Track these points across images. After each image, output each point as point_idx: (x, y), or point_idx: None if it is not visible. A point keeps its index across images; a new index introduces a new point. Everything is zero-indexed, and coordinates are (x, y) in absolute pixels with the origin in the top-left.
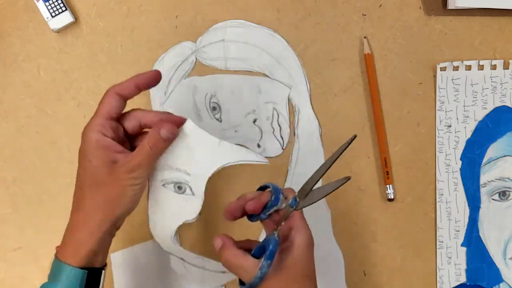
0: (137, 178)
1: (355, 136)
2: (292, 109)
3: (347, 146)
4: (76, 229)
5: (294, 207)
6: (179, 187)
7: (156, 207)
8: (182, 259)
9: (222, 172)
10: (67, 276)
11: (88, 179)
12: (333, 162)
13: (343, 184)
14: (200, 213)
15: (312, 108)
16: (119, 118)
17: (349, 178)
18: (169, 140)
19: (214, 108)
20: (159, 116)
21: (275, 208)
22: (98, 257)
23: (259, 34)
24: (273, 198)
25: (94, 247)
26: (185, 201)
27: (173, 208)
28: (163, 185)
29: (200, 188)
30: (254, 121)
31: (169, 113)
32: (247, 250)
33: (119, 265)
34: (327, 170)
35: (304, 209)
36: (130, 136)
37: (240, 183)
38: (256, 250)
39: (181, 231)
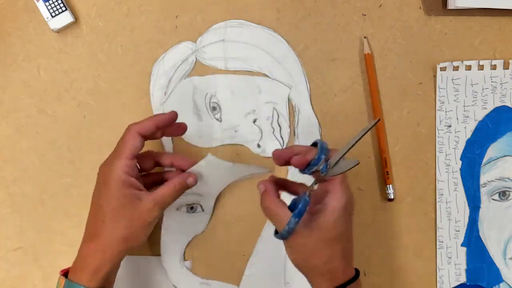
0: (158, 214)
1: (379, 120)
2: (292, 109)
3: (372, 127)
4: (94, 255)
5: (324, 173)
6: (191, 208)
7: (169, 230)
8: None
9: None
10: None
11: (112, 213)
12: (357, 141)
13: (355, 165)
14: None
15: (312, 108)
16: (140, 160)
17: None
18: (191, 187)
19: (214, 108)
20: (175, 158)
21: (315, 167)
22: (112, 278)
23: (259, 34)
24: (316, 157)
25: (110, 271)
26: (195, 218)
27: (184, 227)
28: (177, 209)
29: (210, 204)
30: (254, 121)
31: (182, 156)
32: (291, 192)
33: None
34: (352, 147)
35: None
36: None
37: (239, 184)
38: (292, 204)
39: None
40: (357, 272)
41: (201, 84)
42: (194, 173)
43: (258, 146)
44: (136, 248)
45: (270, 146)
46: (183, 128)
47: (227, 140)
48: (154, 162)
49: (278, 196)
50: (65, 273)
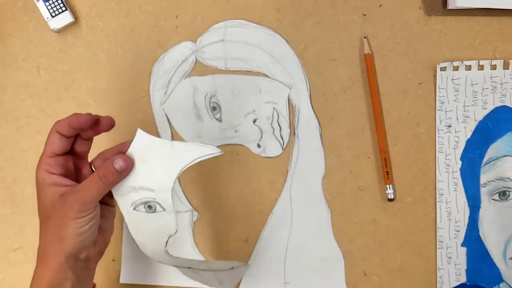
0: (83, 210)
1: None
2: (292, 109)
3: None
4: (37, 264)
5: None
6: (149, 206)
7: (136, 232)
8: (189, 267)
9: (220, 173)
10: None
11: (41, 215)
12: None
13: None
14: (198, 217)
15: (312, 108)
16: (92, 161)
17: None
18: (123, 172)
19: (214, 108)
20: (119, 148)
21: None
22: None
23: (259, 34)
24: None
25: (52, 281)
26: (159, 218)
27: (152, 229)
28: (134, 209)
29: (167, 201)
30: (254, 121)
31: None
32: None
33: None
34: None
35: (303, 209)
36: None
37: (239, 184)
38: None
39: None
40: None
41: (201, 84)
42: (124, 155)
43: (258, 146)
44: (77, 250)
45: (270, 146)
46: (107, 124)
47: (227, 140)
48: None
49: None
50: None
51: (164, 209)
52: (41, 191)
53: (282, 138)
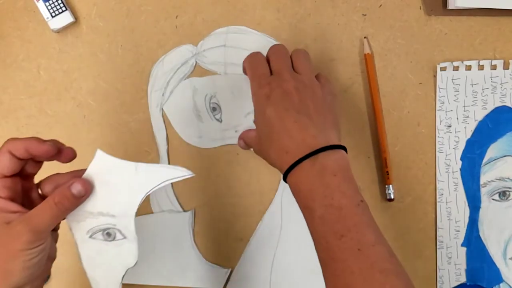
0: (34, 241)
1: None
2: None
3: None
4: None
5: None
6: (108, 234)
7: (90, 264)
8: None
9: (221, 173)
10: None
11: None
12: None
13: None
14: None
15: None
16: (40, 183)
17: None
18: (81, 197)
19: (214, 109)
20: (75, 174)
21: None
22: None
23: (260, 41)
24: None
25: None
26: (119, 247)
27: (110, 260)
28: (90, 236)
29: (129, 228)
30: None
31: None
32: None
33: None
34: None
35: (293, 218)
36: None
37: (239, 184)
38: None
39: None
40: (324, 148)
41: (201, 85)
42: (82, 179)
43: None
44: (23, 286)
45: None
46: (67, 157)
47: (227, 140)
48: (56, 185)
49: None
50: None
51: (124, 237)
52: None
53: None
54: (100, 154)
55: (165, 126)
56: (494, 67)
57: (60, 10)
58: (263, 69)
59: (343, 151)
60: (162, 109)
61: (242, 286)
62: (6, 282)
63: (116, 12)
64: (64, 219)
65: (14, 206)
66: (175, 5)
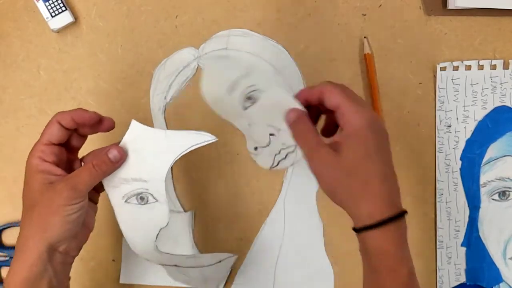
0: (74, 198)
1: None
2: None
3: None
4: (15, 257)
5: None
6: (141, 198)
7: (127, 226)
8: (176, 265)
9: (221, 173)
10: None
11: (26, 203)
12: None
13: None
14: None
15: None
16: (82, 158)
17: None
18: (117, 162)
19: (249, 98)
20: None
21: None
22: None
23: (262, 44)
24: None
25: (29, 275)
26: (151, 210)
27: (144, 222)
28: (126, 201)
29: (160, 191)
30: (271, 134)
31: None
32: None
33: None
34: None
35: (296, 222)
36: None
37: (239, 184)
38: None
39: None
40: (401, 213)
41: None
42: (118, 146)
43: (255, 148)
44: (60, 241)
45: (264, 158)
46: (108, 126)
47: (234, 118)
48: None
49: (312, 123)
50: None
51: (156, 200)
52: (31, 178)
53: (277, 164)
54: (134, 124)
55: (167, 128)
56: (494, 67)
57: (60, 10)
58: (314, 137)
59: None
60: (164, 112)
61: (247, 286)
62: (45, 235)
63: (116, 12)
64: (102, 191)
65: (58, 170)
66: (175, 5)
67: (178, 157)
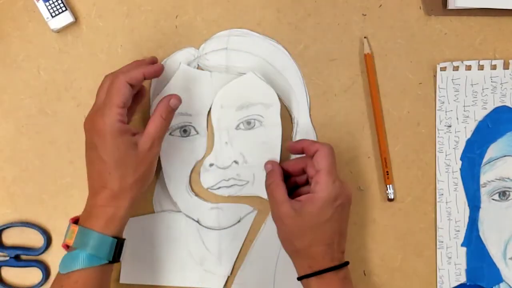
0: (158, 149)
1: None
2: (291, 121)
3: None
4: (107, 204)
5: None
6: (184, 131)
7: (167, 159)
8: (198, 222)
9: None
10: (100, 243)
11: (116, 163)
12: None
13: None
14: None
15: (311, 121)
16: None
17: None
18: (176, 108)
19: (248, 123)
20: (145, 70)
21: None
22: (123, 226)
23: (262, 44)
24: None
25: (124, 217)
26: (192, 142)
27: (183, 154)
28: (170, 133)
29: (202, 125)
30: (236, 161)
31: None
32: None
33: (127, 233)
34: None
35: None
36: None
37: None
38: None
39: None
40: (344, 263)
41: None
42: (175, 94)
43: (211, 165)
44: (145, 189)
45: (207, 176)
46: (159, 70)
47: (218, 136)
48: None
49: (282, 179)
50: (75, 221)
51: (197, 132)
52: (117, 141)
53: (217, 188)
54: (183, 67)
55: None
56: (494, 67)
57: (60, 10)
58: (336, 168)
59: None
60: None
61: (247, 286)
62: (144, 187)
63: (116, 12)
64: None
65: (135, 129)
66: (175, 5)
67: (221, 94)
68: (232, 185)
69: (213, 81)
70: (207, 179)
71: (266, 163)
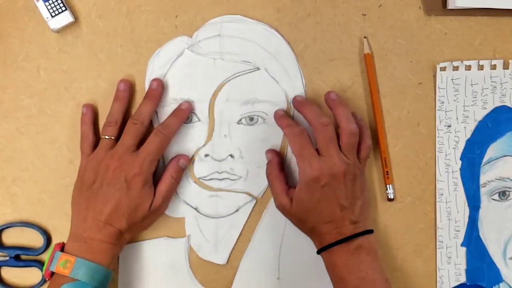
0: (165, 208)
1: None
2: (288, 105)
3: None
4: (110, 241)
5: None
6: (187, 117)
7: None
8: (196, 209)
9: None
10: (105, 277)
11: (132, 210)
12: None
13: None
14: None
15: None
16: None
17: None
18: (186, 167)
19: (251, 119)
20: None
21: None
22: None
23: (255, 29)
24: None
25: (118, 253)
26: (193, 129)
27: (184, 141)
28: None
29: (204, 112)
30: (231, 155)
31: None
32: None
33: (126, 259)
34: None
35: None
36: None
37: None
38: None
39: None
40: (353, 235)
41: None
42: (183, 154)
43: (206, 155)
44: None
45: (200, 167)
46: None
47: (218, 127)
48: None
49: (281, 168)
50: (62, 248)
51: (199, 119)
52: (140, 189)
53: (209, 179)
54: (187, 52)
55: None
56: (493, 67)
57: (60, 10)
58: (310, 149)
59: (372, 234)
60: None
61: (251, 273)
62: (144, 230)
63: (116, 12)
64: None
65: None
66: (175, 5)
67: (224, 82)
68: (224, 179)
69: (217, 68)
70: (201, 169)
71: (267, 151)
